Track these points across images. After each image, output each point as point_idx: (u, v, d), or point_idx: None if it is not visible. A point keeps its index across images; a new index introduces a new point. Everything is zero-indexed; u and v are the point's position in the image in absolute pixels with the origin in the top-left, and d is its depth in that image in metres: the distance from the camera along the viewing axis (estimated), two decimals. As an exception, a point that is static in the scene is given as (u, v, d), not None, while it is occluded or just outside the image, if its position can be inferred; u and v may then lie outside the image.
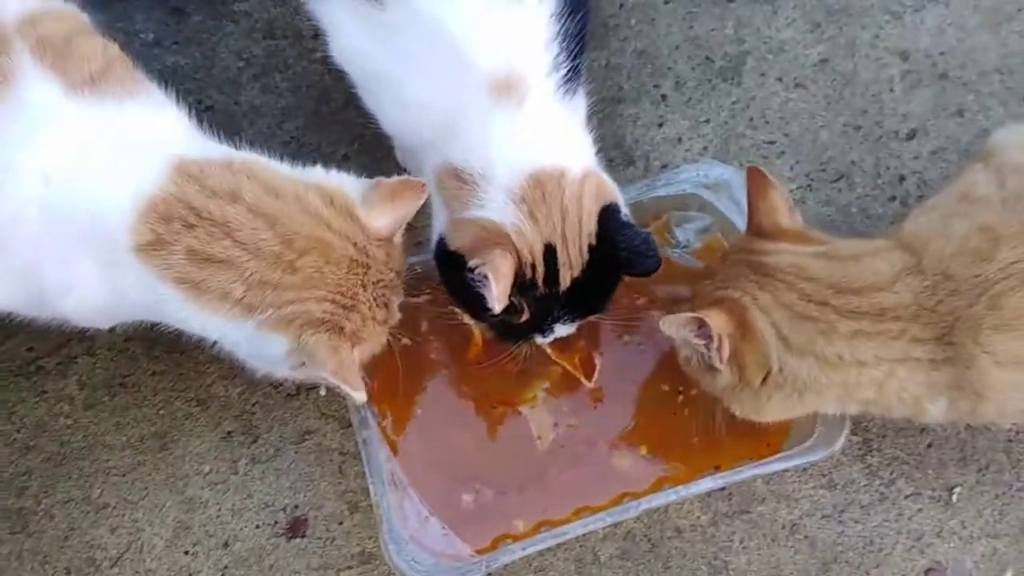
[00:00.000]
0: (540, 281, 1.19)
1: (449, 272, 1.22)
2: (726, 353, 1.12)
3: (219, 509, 1.34)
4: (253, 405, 1.40)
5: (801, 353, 1.11)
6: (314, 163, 1.18)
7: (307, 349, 1.08)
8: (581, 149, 1.25)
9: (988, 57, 1.57)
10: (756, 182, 1.20)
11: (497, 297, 1.12)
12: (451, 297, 1.26)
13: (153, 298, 1.12)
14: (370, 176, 1.17)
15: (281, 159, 1.21)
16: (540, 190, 1.17)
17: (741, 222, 1.37)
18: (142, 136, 1.15)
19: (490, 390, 1.34)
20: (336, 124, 1.55)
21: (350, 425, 1.34)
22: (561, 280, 1.19)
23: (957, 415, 1.13)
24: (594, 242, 1.19)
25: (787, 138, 1.54)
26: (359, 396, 1.09)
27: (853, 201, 1.49)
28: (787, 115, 1.55)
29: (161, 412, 1.40)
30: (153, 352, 1.42)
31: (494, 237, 1.17)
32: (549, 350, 1.33)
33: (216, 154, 1.15)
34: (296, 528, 1.33)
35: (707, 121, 1.56)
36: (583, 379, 1.35)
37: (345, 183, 1.16)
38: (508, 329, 1.25)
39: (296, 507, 1.34)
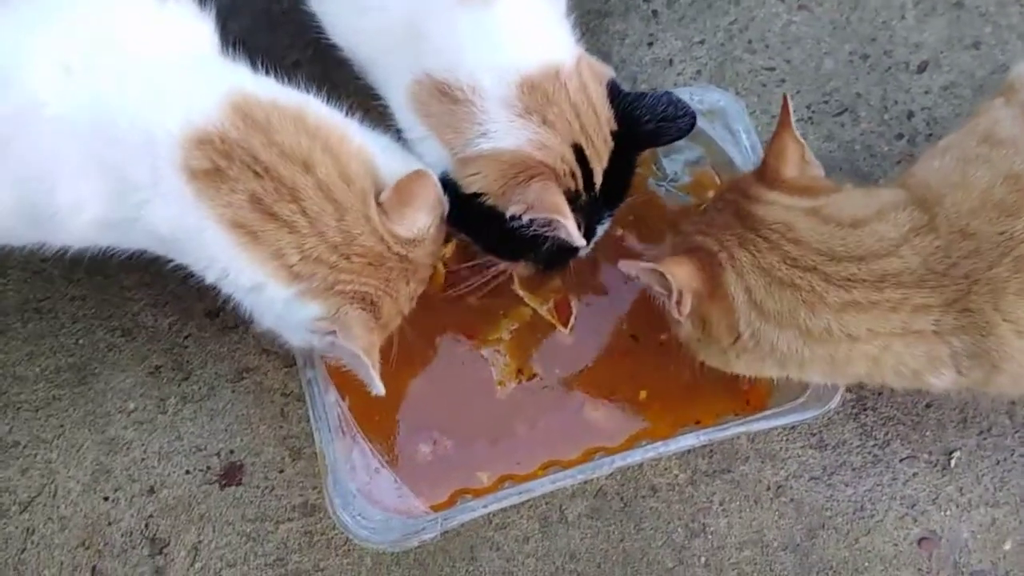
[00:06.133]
0: (582, 187, 1.10)
1: (478, 223, 1.11)
2: (686, 309, 1.04)
3: (144, 451, 1.26)
4: (185, 338, 1.30)
5: (779, 323, 1.02)
6: (265, 70, 1.09)
7: (342, 320, 1.03)
8: (565, 39, 1.13)
9: (1008, -14, 1.46)
10: (782, 115, 1.09)
11: (574, 232, 1.05)
12: (486, 250, 1.16)
13: (185, 233, 1.02)
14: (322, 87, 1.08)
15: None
16: (541, 93, 1.06)
17: (736, 155, 1.28)
18: (187, 45, 1.06)
19: (450, 325, 1.24)
20: (288, 25, 1.42)
21: (294, 364, 1.25)
22: (595, 178, 1.11)
23: (968, 384, 1.04)
24: (615, 126, 1.11)
25: (788, 65, 1.43)
26: (378, 388, 1.03)
27: (857, 137, 1.39)
28: (789, 39, 1.44)
29: (80, 342, 1.30)
30: (73, 274, 1.31)
31: (521, 169, 1.06)
32: (522, 291, 1.24)
33: (272, 93, 1.05)
34: (231, 475, 1.25)
35: (702, 42, 1.45)
36: (559, 326, 1.24)
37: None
38: (560, 253, 1.14)
39: (231, 452, 1.26)
